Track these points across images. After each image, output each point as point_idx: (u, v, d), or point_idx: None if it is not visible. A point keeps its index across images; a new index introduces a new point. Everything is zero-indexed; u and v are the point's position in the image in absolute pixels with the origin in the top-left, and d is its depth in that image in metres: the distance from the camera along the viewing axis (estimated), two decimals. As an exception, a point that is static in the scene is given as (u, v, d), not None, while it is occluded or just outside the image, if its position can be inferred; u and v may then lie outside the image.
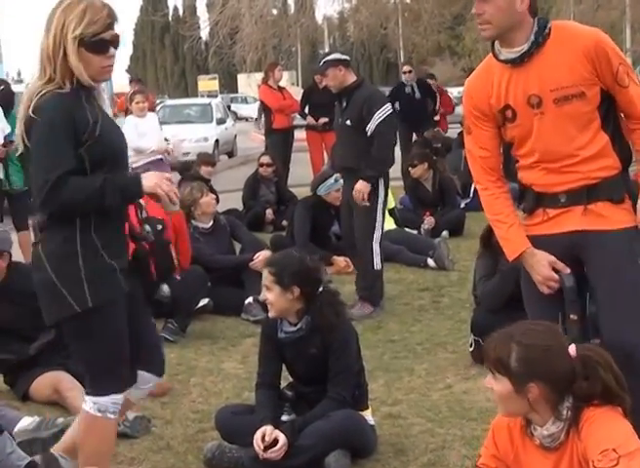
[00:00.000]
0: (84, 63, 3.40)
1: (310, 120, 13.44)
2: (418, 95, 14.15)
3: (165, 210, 3.61)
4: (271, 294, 4.30)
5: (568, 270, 3.66)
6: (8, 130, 8.80)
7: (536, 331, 2.99)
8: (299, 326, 4.33)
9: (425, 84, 14.61)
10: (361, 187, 6.88)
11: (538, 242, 3.70)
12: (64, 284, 3.43)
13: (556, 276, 3.65)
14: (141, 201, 4.27)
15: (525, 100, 3.60)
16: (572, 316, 3.67)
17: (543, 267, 3.66)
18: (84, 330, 3.50)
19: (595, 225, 3.63)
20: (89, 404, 3.60)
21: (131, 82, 17.26)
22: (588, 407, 2.93)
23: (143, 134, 9.91)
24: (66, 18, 3.38)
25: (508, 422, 3.12)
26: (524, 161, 3.75)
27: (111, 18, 3.45)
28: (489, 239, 5.64)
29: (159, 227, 3.72)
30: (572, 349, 2.97)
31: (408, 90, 14.10)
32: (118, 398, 3.61)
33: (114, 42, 3.47)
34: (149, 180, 3.44)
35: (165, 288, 3.22)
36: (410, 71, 14.25)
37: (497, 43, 3.63)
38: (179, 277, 6.42)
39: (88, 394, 3.62)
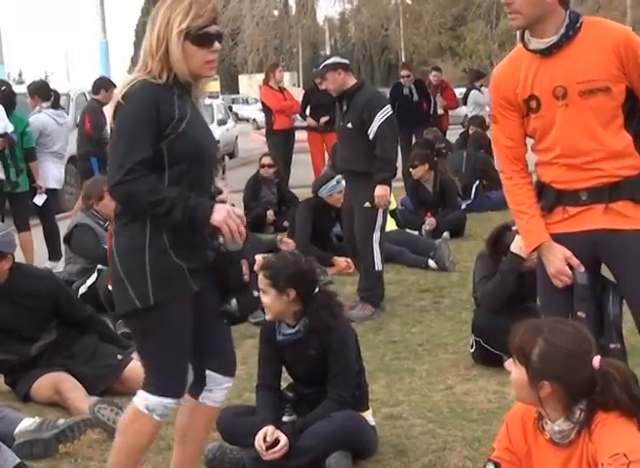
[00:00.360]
0: (188, 58, 3.39)
1: (311, 121, 13.45)
2: (415, 97, 14.14)
3: (226, 246, 3.51)
4: (267, 298, 4.29)
5: (582, 268, 3.65)
6: (11, 129, 8.81)
7: (564, 332, 2.96)
8: (296, 328, 4.33)
9: (423, 85, 14.59)
10: (381, 192, 6.89)
11: (556, 240, 3.68)
12: (129, 278, 3.40)
13: (569, 272, 3.64)
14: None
15: (550, 91, 3.58)
16: (579, 313, 3.67)
17: (558, 261, 3.65)
18: (144, 326, 3.46)
19: (616, 224, 3.60)
20: (140, 398, 3.56)
21: None
22: (602, 411, 2.92)
23: None
24: (172, 13, 3.37)
25: (522, 416, 3.12)
26: (544, 156, 3.72)
27: (215, 12, 3.45)
28: (496, 242, 5.63)
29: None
30: (596, 361, 2.95)
31: (406, 91, 14.09)
32: (170, 402, 3.56)
33: (219, 36, 3.46)
34: (219, 213, 3.36)
35: (233, 302, 3.20)
36: (408, 76, 14.19)
37: (527, 32, 3.61)
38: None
39: (142, 389, 3.57)
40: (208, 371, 3.70)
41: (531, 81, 3.63)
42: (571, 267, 3.65)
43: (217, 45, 3.45)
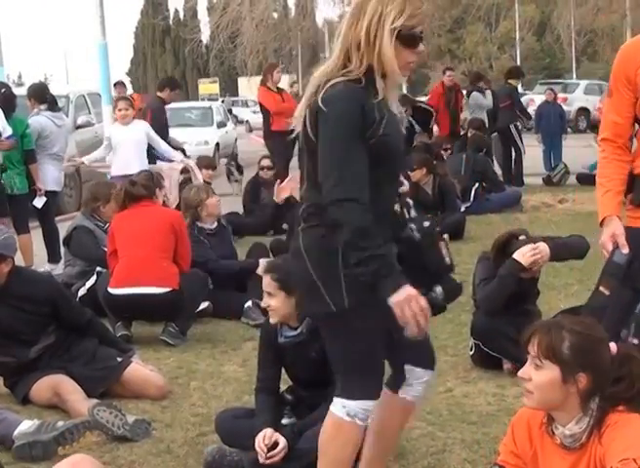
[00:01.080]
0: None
1: None
2: (417, 128, 14.17)
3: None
4: (275, 300, 4.26)
5: (627, 250, 3.68)
6: (9, 132, 8.82)
7: (582, 323, 2.98)
8: (299, 330, 4.32)
9: (424, 113, 14.62)
10: None
11: (636, 235, 3.73)
12: (322, 280, 3.28)
13: (609, 247, 3.70)
14: (409, 200, 3.78)
15: None
16: (601, 288, 3.74)
17: (606, 235, 3.74)
18: (338, 329, 3.34)
19: None
20: (338, 407, 3.43)
21: (115, 85, 16.95)
22: (614, 411, 2.91)
23: (118, 144, 9.68)
24: (384, 8, 3.23)
25: (528, 419, 3.10)
26: None
27: (423, 14, 3.35)
28: (503, 248, 5.60)
29: (426, 224, 3.53)
30: (613, 346, 2.96)
31: (406, 123, 14.06)
32: (369, 405, 3.43)
33: (422, 38, 3.35)
34: (401, 295, 3.13)
35: (438, 289, 3.09)
36: (405, 110, 14.12)
37: None
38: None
39: (338, 396, 3.44)
40: (407, 366, 3.61)
41: None
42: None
43: (421, 47, 3.33)
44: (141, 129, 10.01)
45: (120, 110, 9.95)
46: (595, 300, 3.63)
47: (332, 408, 3.46)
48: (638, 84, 3.71)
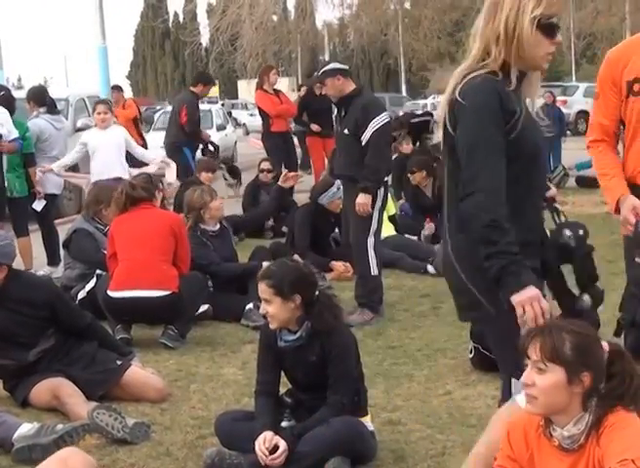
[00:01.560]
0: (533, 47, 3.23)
1: (316, 128, 13.53)
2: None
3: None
4: (272, 307, 4.26)
5: None
6: (16, 134, 8.83)
7: (577, 324, 3.00)
8: (298, 334, 4.32)
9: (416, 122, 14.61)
10: (362, 200, 6.90)
11: None
12: (477, 285, 3.26)
13: (632, 219, 3.83)
14: (557, 205, 3.74)
15: None
16: (637, 258, 3.94)
17: (626, 209, 3.90)
18: (499, 331, 3.31)
19: None
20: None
21: (112, 89, 16.94)
22: (612, 411, 2.92)
23: (96, 149, 9.49)
24: None
25: (524, 423, 3.10)
26: None
27: (561, 2, 3.32)
28: None
29: (580, 232, 3.49)
30: (604, 344, 2.98)
31: None
32: None
33: (559, 28, 3.31)
34: (525, 294, 3.10)
35: (586, 297, 3.08)
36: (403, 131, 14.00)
37: None
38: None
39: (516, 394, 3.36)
40: None
41: (639, 65, 3.75)
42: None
43: (559, 37, 3.30)
44: (119, 134, 9.82)
45: (99, 114, 9.73)
46: (638, 271, 3.82)
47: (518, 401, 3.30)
48: (623, 84, 3.78)
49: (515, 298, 3.12)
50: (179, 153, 11.95)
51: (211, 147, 12.86)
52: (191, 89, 12.62)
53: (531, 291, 3.12)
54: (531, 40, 3.20)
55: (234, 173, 15.20)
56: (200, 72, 13.74)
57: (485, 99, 3.17)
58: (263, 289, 4.29)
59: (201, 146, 12.98)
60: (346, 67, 7.22)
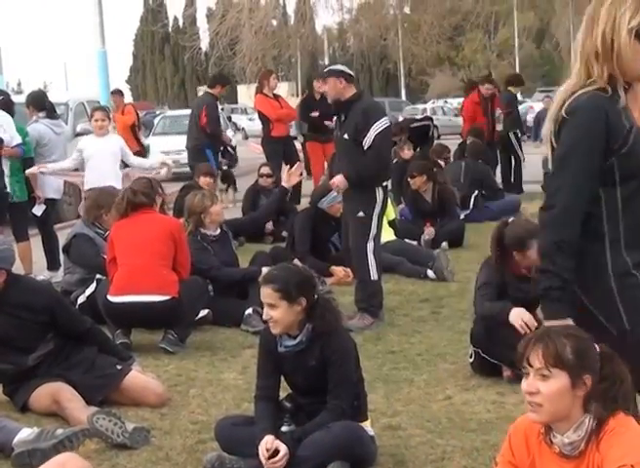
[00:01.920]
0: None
1: (329, 123, 13.55)
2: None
3: None
4: (277, 311, 4.24)
5: None
6: (19, 140, 8.83)
7: (572, 327, 3.01)
8: (298, 339, 4.31)
9: (416, 128, 14.65)
10: (337, 181, 7.08)
11: None
12: (595, 303, 3.15)
13: None
14: None
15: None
16: None
17: None
18: (627, 350, 3.08)
19: None
20: None
21: (112, 94, 16.80)
22: (613, 416, 2.92)
23: (92, 156, 9.35)
24: (617, 10, 3.11)
25: (525, 429, 3.10)
26: None
27: None
28: (500, 240, 5.66)
29: None
30: (596, 346, 2.99)
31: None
32: None
33: None
34: (557, 322, 3.07)
35: None
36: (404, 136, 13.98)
37: None
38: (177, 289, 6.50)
39: None
40: None
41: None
42: None
43: None
44: (116, 142, 9.70)
45: (97, 121, 9.57)
46: None
47: None
48: None
49: (547, 324, 3.11)
50: (201, 156, 12.28)
51: (230, 150, 13.07)
52: (209, 90, 12.98)
53: (566, 322, 3.08)
54: (630, 51, 3.13)
55: (227, 178, 15.11)
56: (217, 74, 14.34)
57: (588, 117, 3.12)
58: (269, 293, 4.27)
59: (221, 148, 13.21)
60: (351, 73, 7.21)
